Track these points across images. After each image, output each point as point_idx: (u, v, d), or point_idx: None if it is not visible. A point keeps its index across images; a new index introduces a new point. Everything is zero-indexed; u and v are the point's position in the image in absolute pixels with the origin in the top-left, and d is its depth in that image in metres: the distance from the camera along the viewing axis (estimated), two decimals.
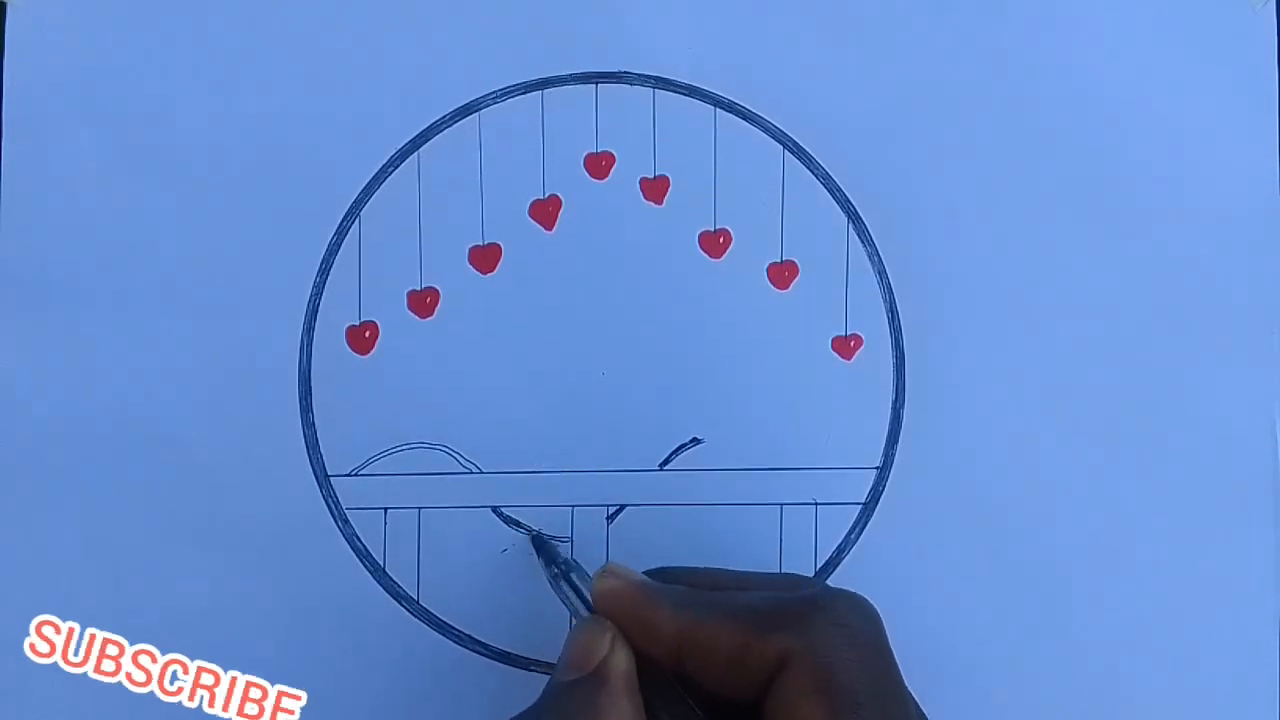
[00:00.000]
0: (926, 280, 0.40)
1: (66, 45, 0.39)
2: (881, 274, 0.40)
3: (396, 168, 0.39)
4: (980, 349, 0.39)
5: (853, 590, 0.30)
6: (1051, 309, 0.39)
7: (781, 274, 0.39)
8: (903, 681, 0.29)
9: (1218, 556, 0.39)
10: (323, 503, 0.38)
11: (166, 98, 0.39)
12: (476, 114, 0.39)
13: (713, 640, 0.29)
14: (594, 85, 0.39)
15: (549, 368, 0.39)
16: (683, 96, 0.39)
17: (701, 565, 0.34)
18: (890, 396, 0.39)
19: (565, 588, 0.34)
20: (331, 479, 0.39)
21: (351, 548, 0.38)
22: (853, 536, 0.39)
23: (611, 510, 0.39)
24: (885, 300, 0.39)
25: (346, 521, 0.39)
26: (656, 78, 0.39)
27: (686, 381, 0.39)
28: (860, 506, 0.39)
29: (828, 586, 0.31)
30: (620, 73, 0.39)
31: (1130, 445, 0.39)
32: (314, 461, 0.39)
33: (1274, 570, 0.39)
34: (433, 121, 0.39)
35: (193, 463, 0.38)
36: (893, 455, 0.39)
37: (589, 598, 0.32)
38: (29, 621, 0.38)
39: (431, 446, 0.39)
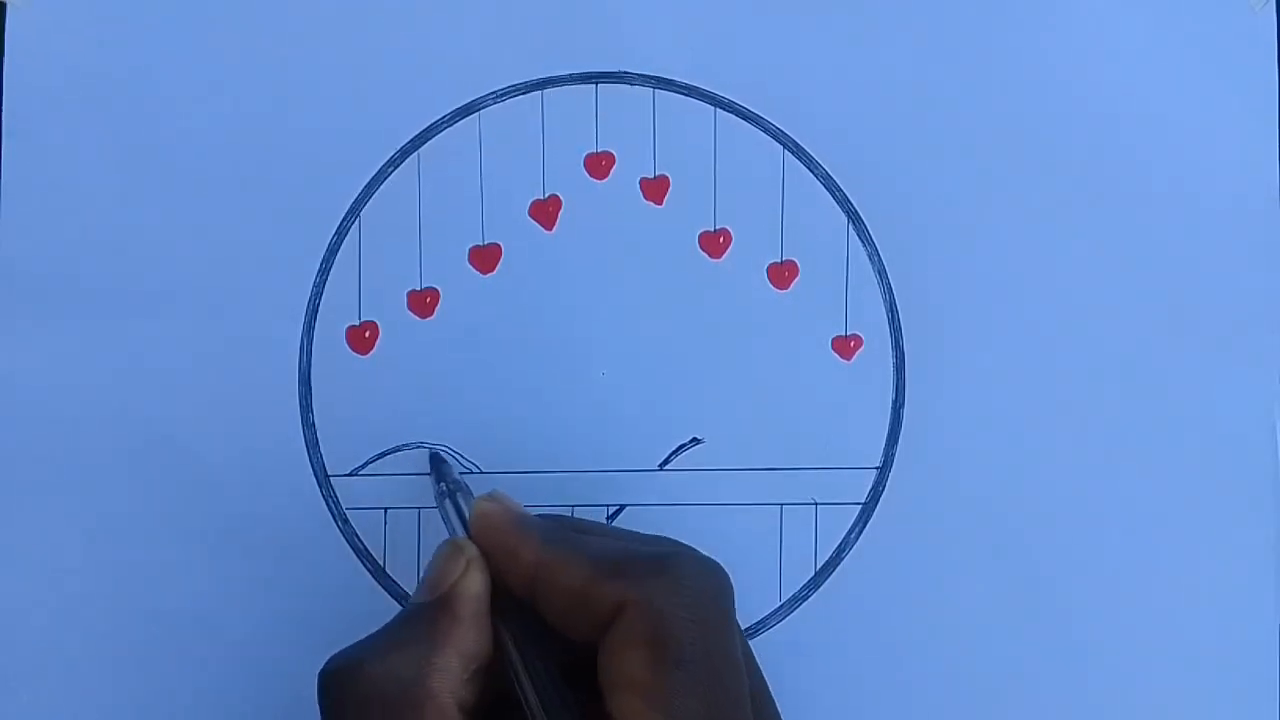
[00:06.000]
0: (926, 280, 0.40)
1: (66, 45, 0.39)
2: (881, 274, 0.40)
3: (396, 168, 0.39)
4: (980, 349, 0.39)
5: (706, 557, 0.30)
6: (1051, 309, 0.39)
7: (781, 274, 0.39)
8: (739, 654, 0.29)
9: (1218, 556, 0.39)
10: (323, 503, 0.38)
11: (166, 98, 0.39)
12: (476, 114, 0.39)
13: (561, 577, 0.29)
14: (594, 85, 0.39)
15: (549, 368, 0.39)
16: (683, 96, 0.39)
17: None
18: (890, 396, 0.39)
19: (449, 507, 0.33)
20: (331, 479, 0.39)
21: (351, 548, 0.38)
22: (853, 536, 0.39)
23: (611, 510, 0.39)
24: (885, 300, 0.39)
25: (346, 521, 0.39)
26: (656, 78, 0.39)
27: (686, 381, 0.39)
28: (860, 506, 0.39)
29: (687, 549, 0.31)
30: (620, 72, 0.39)
31: (1130, 445, 0.39)
32: (314, 461, 0.39)
33: (1274, 570, 0.39)
34: (433, 121, 0.39)
35: (193, 463, 0.38)
36: (893, 455, 0.39)
37: (457, 529, 0.32)
38: (29, 620, 0.38)
39: (432, 447, 0.39)
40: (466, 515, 0.32)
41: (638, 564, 0.29)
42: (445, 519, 0.33)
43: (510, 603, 0.30)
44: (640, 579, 0.28)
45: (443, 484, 0.34)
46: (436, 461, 0.36)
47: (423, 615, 0.30)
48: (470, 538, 0.31)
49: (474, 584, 0.30)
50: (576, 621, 0.29)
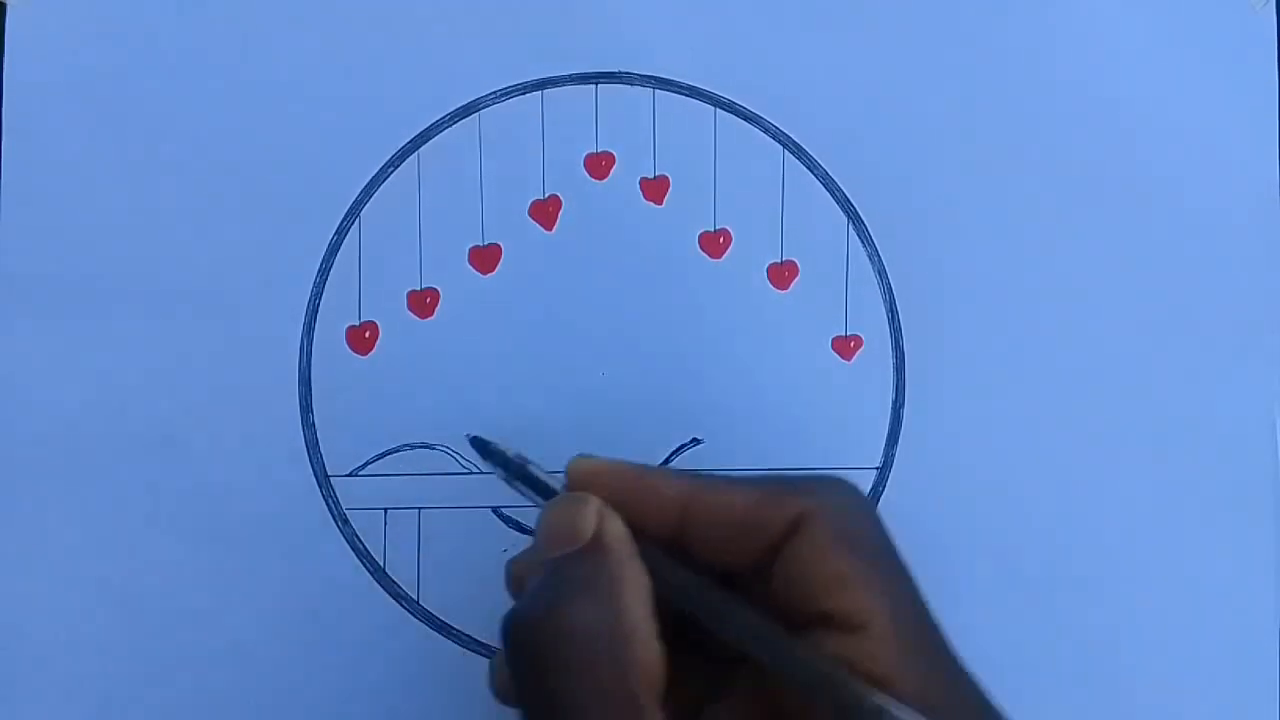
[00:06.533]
0: (926, 280, 0.40)
1: (66, 45, 0.39)
2: (881, 274, 0.40)
3: (396, 168, 0.39)
4: (980, 349, 0.39)
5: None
6: (1051, 309, 0.39)
7: (781, 274, 0.39)
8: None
9: (1218, 556, 0.39)
10: (323, 503, 0.38)
11: (166, 98, 0.39)
12: (476, 114, 0.39)
13: (723, 504, 0.29)
14: (594, 85, 0.39)
15: (549, 367, 0.39)
16: (683, 96, 0.39)
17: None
18: (890, 396, 0.39)
19: (522, 485, 0.32)
20: (331, 479, 0.39)
21: (351, 548, 0.38)
22: None
23: None
24: (885, 300, 0.40)
25: (346, 521, 0.39)
26: (656, 78, 0.39)
27: (686, 381, 0.39)
28: None
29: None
30: (620, 73, 0.39)
31: (1130, 445, 0.39)
32: (314, 462, 0.39)
33: (1274, 570, 0.39)
34: (433, 121, 0.39)
35: (193, 463, 0.38)
36: (893, 455, 0.39)
37: (553, 487, 0.31)
38: (29, 620, 0.38)
39: (431, 446, 0.39)
40: (550, 483, 0.31)
41: (801, 485, 0.29)
42: (526, 495, 0.32)
43: (645, 543, 0.29)
44: (813, 492, 0.29)
45: (503, 469, 0.32)
46: (482, 447, 0.33)
47: (584, 561, 0.29)
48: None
49: (618, 526, 0.29)
50: (739, 547, 0.29)
